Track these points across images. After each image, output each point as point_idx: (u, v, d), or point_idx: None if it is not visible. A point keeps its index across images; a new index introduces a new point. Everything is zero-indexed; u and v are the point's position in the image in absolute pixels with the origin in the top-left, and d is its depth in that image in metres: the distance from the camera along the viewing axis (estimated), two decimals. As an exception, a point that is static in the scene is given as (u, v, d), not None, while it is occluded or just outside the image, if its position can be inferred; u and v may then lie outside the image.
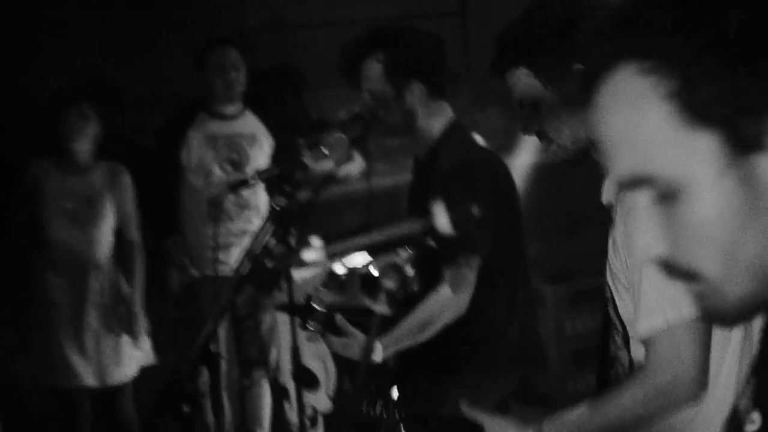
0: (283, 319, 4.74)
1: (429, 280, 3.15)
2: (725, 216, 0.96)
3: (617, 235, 2.13)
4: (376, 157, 6.13)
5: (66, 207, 4.73)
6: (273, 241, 2.54)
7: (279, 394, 4.92)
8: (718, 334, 2.08)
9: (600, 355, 2.37)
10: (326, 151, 2.73)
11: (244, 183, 2.77)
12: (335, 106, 5.84)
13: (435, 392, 3.17)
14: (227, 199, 4.80)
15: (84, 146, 4.71)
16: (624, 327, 2.21)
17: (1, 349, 5.00)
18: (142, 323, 4.88)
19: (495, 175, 3.22)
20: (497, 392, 3.16)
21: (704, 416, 2.17)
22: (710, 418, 2.17)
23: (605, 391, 2.22)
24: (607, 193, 2.27)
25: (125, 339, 4.83)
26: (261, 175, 2.74)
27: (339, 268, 4.11)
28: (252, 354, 5.20)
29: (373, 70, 3.19)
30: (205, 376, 4.54)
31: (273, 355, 5.19)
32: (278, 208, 2.61)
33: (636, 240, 2.00)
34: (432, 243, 2.79)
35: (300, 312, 2.96)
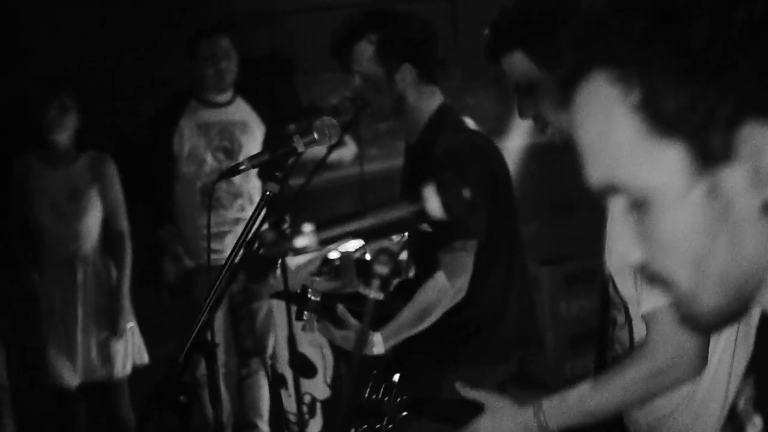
0: (279, 308, 4.75)
1: (426, 265, 3.15)
2: (694, 228, 0.97)
3: (611, 205, 2.12)
4: (369, 142, 6.12)
5: (50, 200, 4.69)
6: (265, 228, 2.52)
7: (277, 382, 4.91)
8: None
9: (598, 336, 2.37)
10: (317, 137, 2.71)
11: (234, 170, 2.74)
12: (326, 91, 5.85)
13: (434, 378, 3.16)
14: (220, 187, 4.78)
15: (65, 138, 4.67)
16: (626, 306, 2.21)
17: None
18: (130, 316, 4.83)
19: (486, 157, 3.21)
20: (496, 376, 3.15)
21: (695, 406, 2.18)
22: (701, 408, 2.18)
23: (605, 369, 2.21)
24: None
25: (118, 338, 4.79)
26: (251, 161, 2.72)
27: (333, 254, 4.11)
28: (249, 343, 5.19)
29: (366, 51, 3.18)
30: (201, 366, 4.54)
31: (270, 343, 5.18)
32: (270, 195, 2.59)
33: (613, 244, 2.02)
34: (426, 227, 2.78)
35: (295, 302, 2.95)
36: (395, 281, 3.25)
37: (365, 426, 2.50)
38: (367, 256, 3.95)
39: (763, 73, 0.92)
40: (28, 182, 4.71)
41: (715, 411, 2.16)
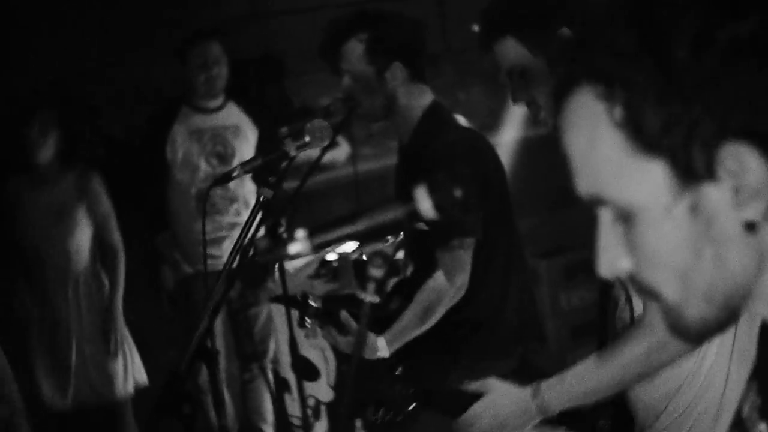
0: (278, 311, 4.74)
1: (424, 264, 3.14)
2: (678, 243, 0.98)
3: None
4: (362, 142, 6.11)
5: (38, 221, 4.61)
6: (260, 235, 2.51)
7: (279, 386, 4.89)
8: None
9: (599, 317, 2.37)
10: (309, 140, 2.71)
11: (227, 177, 2.74)
12: (317, 92, 5.84)
13: (436, 376, 3.16)
14: (215, 193, 4.76)
15: (49, 156, 4.58)
16: (626, 286, 2.21)
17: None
18: (125, 331, 4.78)
19: (478, 154, 3.21)
20: (498, 372, 3.14)
21: (698, 384, 2.18)
22: (704, 388, 2.18)
23: (603, 348, 2.21)
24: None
25: (114, 355, 4.74)
26: (244, 167, 2.71)
27: (330, 256, 4.10)
28: (250, 348, 5.18)
29: (356, 51, 3.18)
30: (204, 372, 4.53)
31: (271, 347, 5.17)
32: (264, 200, 2.58)
33: (600, 253, 2.01)
34: (423, 226, 2.78)
35: (297, 309, 2.94)
36: (393, 281, 3.25)
37: (375, 417, 2.50)
38: (364, 257, 3.94)
39: (745, 92, 0.93)
40: (15, 204, 4.64)
41: (718, 390, 2.16)
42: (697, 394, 2.19)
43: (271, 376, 5.17)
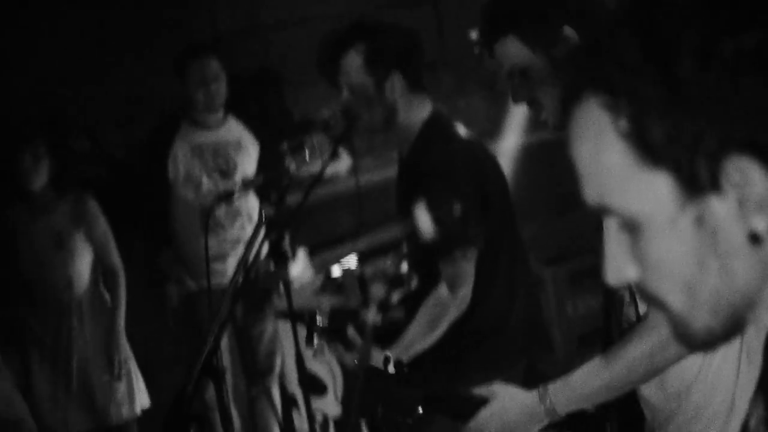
0: (285, 327, 4.72)
1: (428, 275, 3.13)
2: (683, 254, 0.98)
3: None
4: (363, 153, 6.10)
5: (37, 250, 4.61)
6: (262, 258, 2.51)
7: (287, 402, 4.89)
8: None
9: (604, 318, 2.37)
10: (309, 155, 2.70)
11: (229, 196, 2.73)
12: (316, 103, 5.82)
13: (443, 385, 3.14)
14: (219, 208, 4.76)
15: (42, 185, 4.58)
16: (630, 284, 2.20)
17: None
18: (128, 353, 4.76)
19: (478, 165, 3.20)
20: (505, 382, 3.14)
21: (708, 384, 2.17)
22: (713, 388, 2.16)
23: (609, 348, 2.20)
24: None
25: (118, 378, 4.72)
26: (246, 185, 2.71)
27: (335, 271, 4.08)
28: (257, 363, 5.17)
29: (354, 62, 3.18)
30: (210, 389, 4.51)
31: (278, 363, 5.15)
32: (266, 217, 2.58)
33: (607, 262, 2.01)
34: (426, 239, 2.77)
35: (305, 328, 2.93)
36: (398, 294, 3.23)
37: (380, 416, 2.49)
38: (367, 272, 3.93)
39: (749, 105, 0.93)
40: (13, 235, 4.62)
41: (728, 391, 2.15)
42: (707, 395, 2.18)
43: (276, 393, 5.15)
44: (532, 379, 3.17)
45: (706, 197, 0.95)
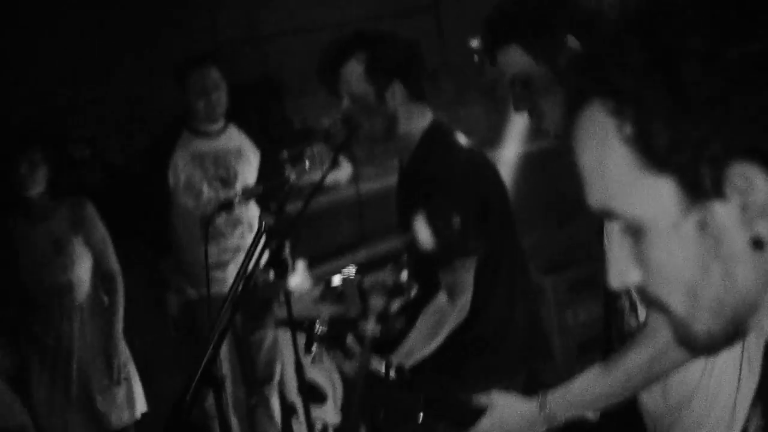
0: (284, 335, 4.72)
1: (428, 284, 3.13)
2: (686, 259, 0.99)
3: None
4: (363, 162, 6.10)
5: (37, 256, 4.61)
6: (264, 260, 2.51)
7: (287, 410, 4.88)
8: None
9: (604, 327, 2.37)
10: (309, 165, 2.71)
11: (228, 205, 2.73)
12: (317, 112, 5.84)
13: (443, 393, 3.14)
14: (219, 216, 4.76)
15: (40, 191, 4.59)
16: (630, 293, 2.20)
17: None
18: (126, 356, 4.77)
19: (478, 174, 3.19)
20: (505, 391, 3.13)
21: (708, 394, 2.17)
22: (713, 399, 2.16)
23: (608, 356, 2.21)
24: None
25: (117, 382, 4.72)
26: (245, 195, 2.71)
27: (335, 279, 4.09)
28: (257, 372, 5.17)
29: (355, 71, 3.18)
30: (210, 398, 4.51)
31: (278, 371, 5.15)
32: (266, 227, 2.58)
33: (611, 265, 2.02)
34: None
35: (304, 335, 2.93)
36: (398, 303, 3.23)
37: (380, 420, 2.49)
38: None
39: (753, 112, 0.94)
40: (12, 243, 4.63)
41: (729, 399, 2.15)
42: (708, 405, 2.18)
43: (276, 401, 5.15)
44: (532, 386, 3.17)
45: (709, 203, 0.96)
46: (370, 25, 3.79)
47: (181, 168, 5.02)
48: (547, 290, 5.89)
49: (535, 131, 2.43)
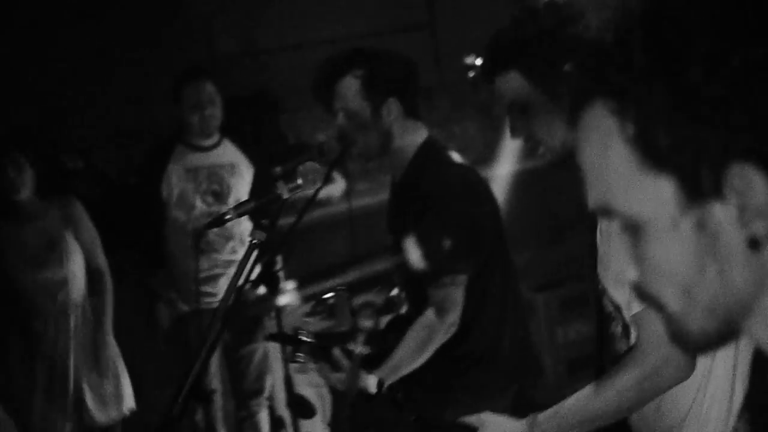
0: (274, 349, 4.72)
1: (417, 300, 3.14)
2: (683, 257, 1.00)
3: (605, 224, 2.14)
4: (357, 177, 6.12)
5: (30, 255, 4.61)
6: (249, 287, 2.51)
7: (275, 424, 4.87)
8: None
9: (596, 350, 2.38)
10: (301, 182, 2.72)
11: (220, 220, 2.74)
12: (312, 127, 5.86)
13: (433, 411, 3.14)
14: (211, 230, 4.76)
15: (28, 193, 4.61)
16: (621, 313, 2.21)
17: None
18: (116, 351, 4.77)
19: (470, 192, 3.20)
20: (495, 407, 3.14)
21: (701, 416, 2.17)
22: (706, 420, 2.17)
23: (598, 377, 2.21)
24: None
25: (109, 379, 4.73)
26: (237, 210, 2.71)
27: (327, 294, 4.10)
28: (246, 385, 5.16)
29: (351, 87, 3.19)
30: (200, 412, 4.51)
31: (268, 385, 5.15)
32: (257, 243, 2.58)
33: (610, 262, 2.03)
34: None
35: (288, 344, 2.93)
36: (388, 317, 3.24)
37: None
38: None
39: (754, 114, 0.95)
40: (4, 246, 4.65)
41: (722, 422, 2.15)
42: (701, 426, 2.18)
43: (265, 415, 5.15)
44: (521, 404, 3.18)
45: (708, 203, 0.98)
46: (366, 41, 3.81)
47: (175, 181, 5.02)
48: (539, 308, 5.90)
49: (530, 151, 2.44)
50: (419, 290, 3.11)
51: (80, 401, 4.69)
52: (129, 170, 5.34)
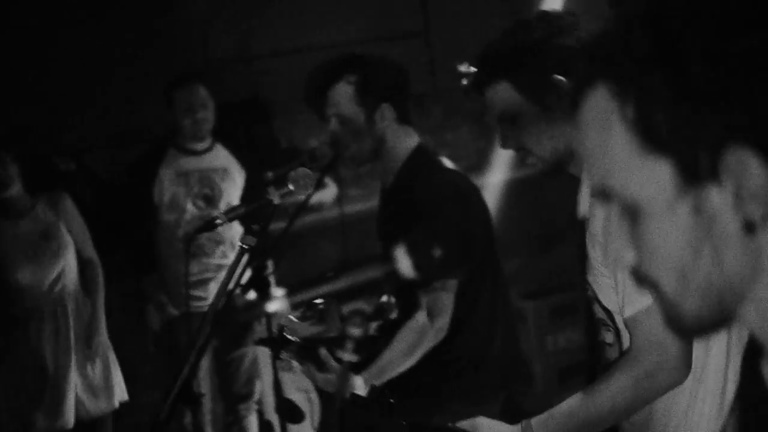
0: (264, 354, 4.72)
1: (407, 304, 3.14)
2: (678, 240, 1.02)
3: (595, 228, 2.15)
4: (349, 183, 6.12)
5: (26, 249, 4.64)
6: (239, 292, 2.52)
7: (264, 429, 4.87)
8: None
9: (588, 358, 2.38)
10: (292, 188, 2.72)
11: (211, 225, 2.74)
12: (305, 133, 5.86)
13: (422, 416, 3.14)
14: (201, 235, 4.76)
15: (18, 190, 4.63)
16: (614, 321, 2.22)
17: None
18: (105, 336, 4.77)
19: (461, 197, 3.21)
20: (484, 413, 3.14)
21: (693, 421, 2.18)
22: (698, 426, 2.18)
23: (592, 381, 2.21)
24: (583, 206, 2.29)
25: (98, 368, 4.73)
26: (228, 215, 2.71)
27: (316, 302, 4.09)
28: (236, 389, 5.16)
29: (345, 93, 3.19)
30: (188, 415, 4.50)
31: (257, 389, 5.14)
32: (248, 248, 2.58)
33: (610, 243, 2.03)
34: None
35: (273, 343, 2.92)
36: (378, 323, 3.24)
37: None
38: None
39: (750, 101, 0.97)
40: (1, 241, 4.66)
41: (712, 421, 2.16)
42: (694, 428, 2.19)
43: (254, 420, 5.14)
44: (510, 411, 3.18)
45: (704, 186, 0.99)
46: (361, 48, 3.82)
47: (166, 185, 5.02)
48: (529, 316, 5.91)
49: (522, 160, 2.45)
50: (409, 297, 3.11)
51: (80, 394, 4.69)
52: (121, 173, 5.34)
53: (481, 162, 6.32)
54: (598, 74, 1.05)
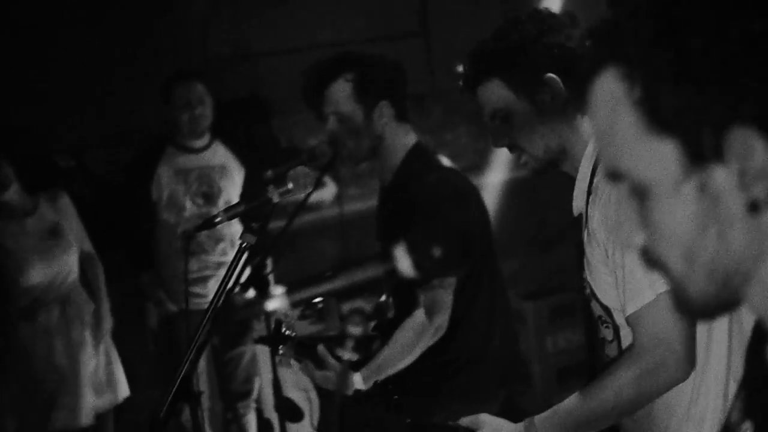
0: (263, 352, 4.72)
1: (405, 303, 3.14)
2: (684, 219, 1.04)
3: (593, 225, 2.15)
4: (348, 182, 6.13)
5: (34, 246, 4.65)
6: (238, 290, 2.51)
7: (263, 427, 4.87)
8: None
9: (588, 356, 2.38)
10: (292, 187, 2.72)
11: (210, 223, 2.74)
12: (304, 131, 5.86)
13: (421, 415, 3.14)
14: (201, 232, 4.76)
15: (17, 192, 4.63)
16: (612, 318, 2.22)
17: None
18: (108, 344, 4.77)
19: (460, 196, 3.21)
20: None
21: (696, 419, 2.18)
22: (700, 424, 2.18)
23: (595, 378, 2.21)
24: (577, 204, 2.29)
25: (102, 362, 4.73)
26: (227, 213, 2.71)
27: (316, 301, 4.09)
28: (235, 387, 5.16)
29: (343, 91, 3.19)
30: (187, 413, 4.50)
31: (256, 387, 5.14)
32: (247, 246, 2.58)
33: (620, 226, 2.03)
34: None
35: (271, 338, 2.92)
36: (374, 323, 3.24)
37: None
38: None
39: (754, 82, 0.99)
40: (5, 246, 4.65)
41: (716, 413, 2.16)
42: (698, 423, 2.19)
43: (253, 418, 5.15)
44: (509, 411, 3.18)
45: (710, 166, 1.01)
46: (360, 48, 3.81)
47: (165, 183, 5.02)
48: (528, 316, 5.91)
49: (517, 163, 2.45)
50: (408, 296, 3.12)
51: (88, 388, 4.69)
52: (120, 171, 5.34)
53: (480, 162, 6.32)
54: (606, 57, 1.08)
